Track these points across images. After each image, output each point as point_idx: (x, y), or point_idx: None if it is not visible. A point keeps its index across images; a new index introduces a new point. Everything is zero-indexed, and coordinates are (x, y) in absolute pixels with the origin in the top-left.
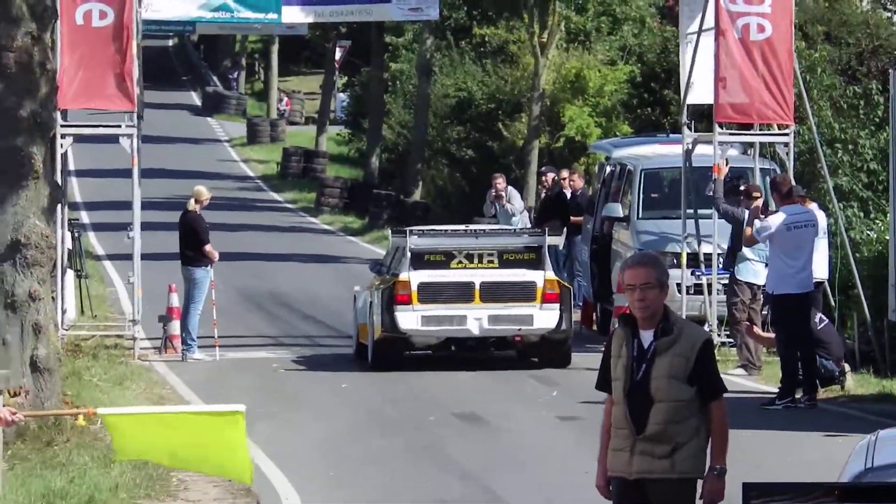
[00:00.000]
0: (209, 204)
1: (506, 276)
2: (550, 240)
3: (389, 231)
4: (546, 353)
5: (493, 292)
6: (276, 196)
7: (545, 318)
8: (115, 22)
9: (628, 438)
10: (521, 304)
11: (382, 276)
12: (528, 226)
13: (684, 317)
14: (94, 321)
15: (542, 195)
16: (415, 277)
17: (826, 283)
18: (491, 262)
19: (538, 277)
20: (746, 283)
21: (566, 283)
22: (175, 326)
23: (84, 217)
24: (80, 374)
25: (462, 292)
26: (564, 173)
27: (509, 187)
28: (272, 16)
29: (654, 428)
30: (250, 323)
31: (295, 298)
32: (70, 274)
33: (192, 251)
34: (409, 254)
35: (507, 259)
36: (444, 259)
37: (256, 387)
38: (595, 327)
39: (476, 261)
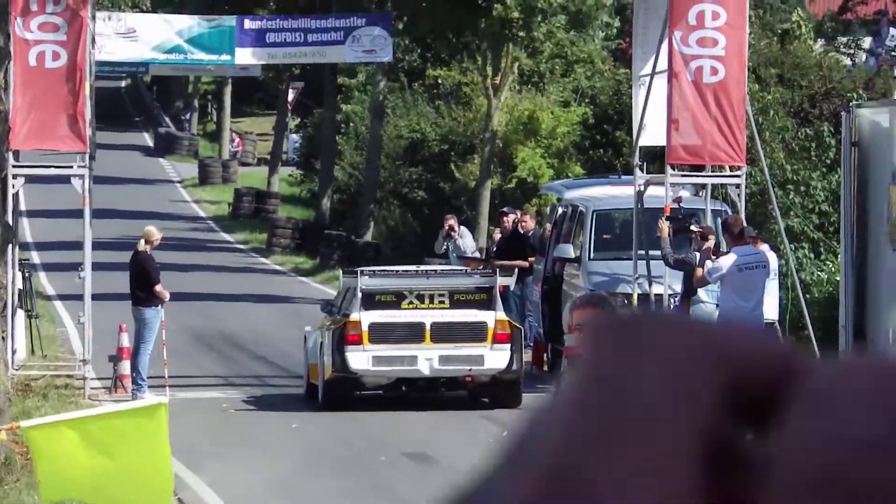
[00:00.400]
0: (160, 244)
1: (457, 317)
2: (502, 280)
3: (341, 271)
4: (497, 393)
5: (444, 332)
6: (227, 237)
7: (496, 358)
8: (68, 63)
9: None
10: (471, 345)
11: (333, 316)
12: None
13: None
14: (44, 361)
15: (499, 235)
16: (366, 318)
17: (777, 324)
18: (442, 302)
19: (489, 318)
20: None
21: (517, 324)
22: (125, 366)
23: (35, 257)
24: (30, 413)
25: (413, 332)
26: (518, 213)
27: (462, 226)
28: (225, 57)
29: None
30: (201, 363)
31: (245, 339)
32: (20, 314)
33: (142, 291)
34: (360, 294)
35: (458, 299)
36: (395, 299)
37: (207, 427)
38: (546, 367)
39: (427, 301)
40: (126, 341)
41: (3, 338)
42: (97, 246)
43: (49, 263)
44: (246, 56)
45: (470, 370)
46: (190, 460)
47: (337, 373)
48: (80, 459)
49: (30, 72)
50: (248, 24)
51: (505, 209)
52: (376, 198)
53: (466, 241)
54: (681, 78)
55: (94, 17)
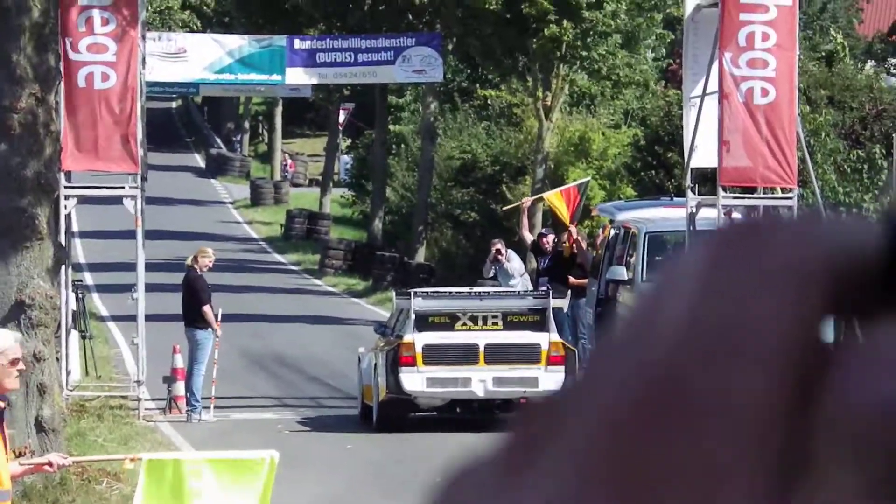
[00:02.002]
0: (213, 265)
1: (510, 339)
2: (555, 302)
3: (394, 293)
4: None
5: (498, 354)
6: (279, 258)
7: (550, 380)
8: (118, 84)
9: None
10: (525, 367)
11: (387, 337)
12: (529, 288)
13: None
14: (98, 382)
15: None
16: (419, 339)
17: None
18: (495, 324)
19: (543, 340)
20: None
21: (571, 346)
22: (180, 387)
23: (88, 278)
24: (84, 434)
25: (466, 354)
26: (564, 235)
27: (509, 250)
28: (276, 77)
29: None
30: (254, 384)
31: (299, 359)
32: (74, 334)
33: (193, 312)
34: (413, 315)
35: (511, 321)
36: (448, 321)
37: (260, 447)
38: None
39: (480, 323)
40: (180, 362)
41: (57, 359)
42: (150, 267)
43: (102, 284)
44: (296, 76)
45: (524, 392)
46: None
47: (391, 394)
48: (182, 497)
49: (79, 93)
50: (299, 43)
51: (543, 231)
52: (428, 219)
53: (514, 265)
54: (731, 99)
55: (144, 38)
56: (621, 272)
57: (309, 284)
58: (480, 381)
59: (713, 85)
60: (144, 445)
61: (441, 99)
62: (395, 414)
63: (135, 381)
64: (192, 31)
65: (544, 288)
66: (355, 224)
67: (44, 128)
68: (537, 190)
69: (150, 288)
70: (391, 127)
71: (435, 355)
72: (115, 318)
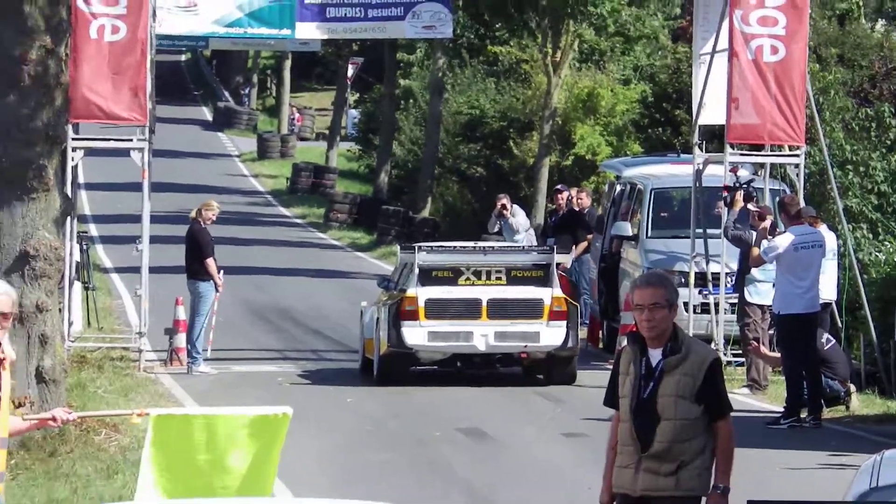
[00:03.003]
0: (218, 218)
1: (513, 293)
2: (559, 258)
3: (398, 247)
4: (552, 370)
5: (501, 309)
6: (284, 211)
7: (552, 335)
8: (128, 36)
9: (634, 455)
10: (527, 321)
11: (390, 291)
12: (534, 243)
13: (692, 335)
14: (100, 333)
15: (555, 211)
16: (422, 293)
17: (833, 304)
18: (499, 279)
19: (545, 295)
20: (757, 304)
21: (574, 301)
22: (181, 339)
23: (93, 230)
24: (85, 385)
25: (469, 309)
26: (572, 192)
27: (514, 205)
28: (286, 32)
29: (660, 446)
30: (256, 336)
31: (301, 313)
32: (77, 286)
33: (196, 264)
34: (417, 270)
35: (514, 276)
36: (451, 275)
37: (261, 400)
38: (601, 345)
39: (484, 277)
40: (182, 314)
41: (59, 309)
42: (155, 219)
43: (107, 236)
44: (306, 31)
45: (525, 346)
46: None
47: (392, 348)
48: (191, 454)
49: (90, 45)
50: None
51: (559, 186)
52: (434, 174)
53: (519, 220)
54: (741, 57)
55: None
56: (626, 228)
57: (314, 238)
58: (482, 335)
59: (723, 42)
60: (144, 397)
61: (450, 55)
62: (396, 368)
63: (136, 333)
64: None
65: (549, 244)
66: (361, 178)
67: (53, 79)
68: (544, 146)
69: (154, 240)
70: (400, 82)
71: (437, 309)
72: (118, 270)
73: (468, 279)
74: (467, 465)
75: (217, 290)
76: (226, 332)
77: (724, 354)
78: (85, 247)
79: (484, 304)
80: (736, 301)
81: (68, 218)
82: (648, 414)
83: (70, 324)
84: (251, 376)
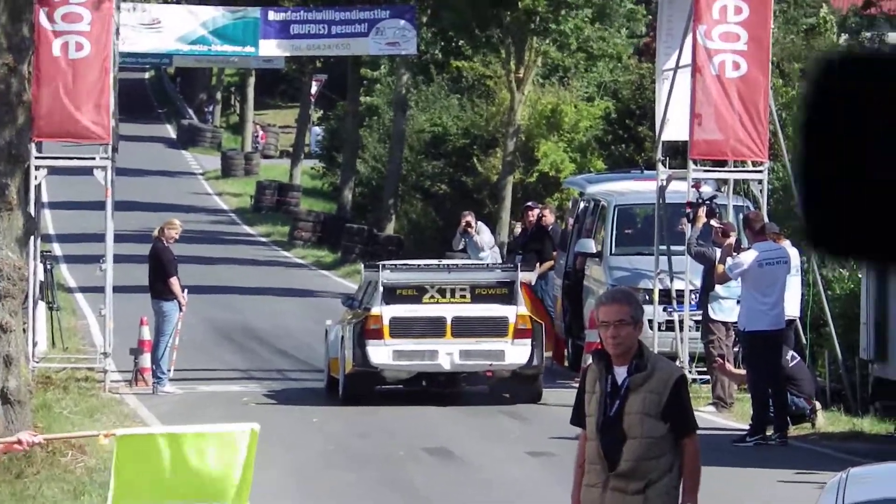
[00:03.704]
0: (182, 237)
1: (478, 311)
2: (523, 276)
3: (363, 265)
4: (517, 388)
5: (465, 327)
6: (249, 229)
7: (517, 353)
8: (92, 54)
9: (601, 474)
10: (492, 340)
11: (354, 310)
12: (498, 261)
13: (657, 353)
14: (65, 353)
15: (520, 229)
16: (387, 312)
17: (798, 321)
18: (463, 296)
19: (510, 313)
20: (721, 321)
21: (538, 319)
22: (146, 359)
23: (57, 249)
24: (50, 406)
25: (434, 327)
26: (543, 210)
27: (479, 222)
28: (249, 49)
29: (627, 465)
30: (222, 356)
31: (267, 332)
32: (42, 306)
33: (159, 283)
34: (381, 288)
35: (479, 294)
36: (416, 294)
37: (226, 420)
38: (566, 363)
39: (448, 295)
40: (147, 334)
41: (24, 330)
42: (119, 238)
43: (71, 255)
44: (270, 48)
45: (490, 365)
46: None
47: (357, 367)
48: (159, 474)
49: (53, 62)
50: (273, 15)
51: (530, 203)
52: (398, 191)
53: (484, 237)
54: (704, 72)
55: (118, 8)
56: (590, 245)
57: (278, 256)
58: (447, 353)
59: (686, 58)
60: (110, 418)
61: (414, 71)
62: (361, 386)
63: (101, 353)
64: (166, 1)
65: (513, 262)
66: (325, 196)
67: (16, 97)
68: (508, 163)
69: (118, 259)
70: (363, 98)
71: (402, 328)
72: (83, 290)
73: (432, 297)
74: (432, 485)
75: (181, 310)
76: (190, 351)
77: (690, 372)
78: (49, 266)
79: (448, 322)
80: (700, 318)
81: (31, 237)
82: (614, 432)
83: (34, 344)
84: (216, 396)
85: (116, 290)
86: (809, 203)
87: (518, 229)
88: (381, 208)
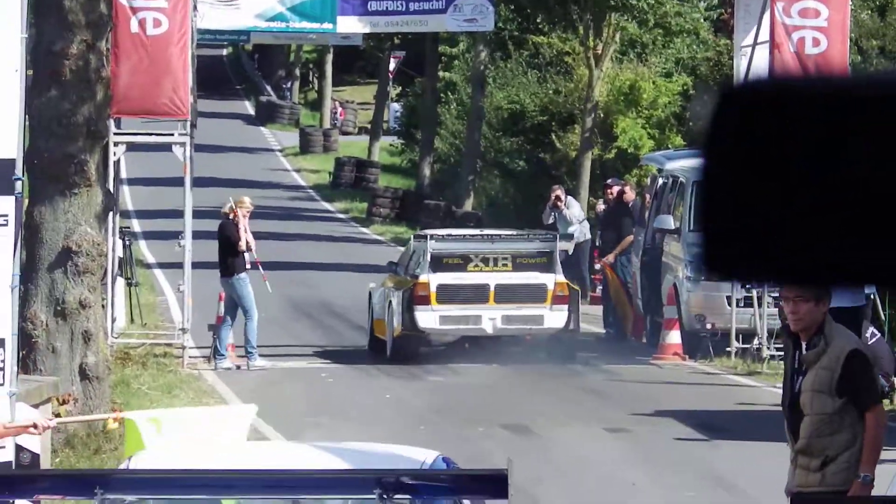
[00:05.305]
0: (259, 213)
1: (518, 279)
2: (561, 245)
3: (412, 236)
4: (554, 350)
5: (507, 294)
6: (327, 206)
7: (555, 318)
8: (169, 30)
9: (791, 451)
10: (532, 305)
11: (398, 276)
12: (587, 235)
13: (734, 329)
14: (143, 329)
15: (602, 206)
16: (434, 279)
17: (876, 296)
18: (505, 265)
19: (549, 280)
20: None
21: (574, 286)
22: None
23: (136, 225)
24: (128, 382)
25: (478, 294)
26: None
27: (568, 196)
28: (327, 26)
29: (803, 442)
30: (300, 332)
31: (345, 308)
32: (120, 282)
33: (229, 259)
34: (429, 257)
35: (520, 262)
36: (461, 262)
37: (304, 396)
38: (644, 339)
39: (491, 264)
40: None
41: (102, 306)
42: (197, 214)
43: (149, 232)
44: (348, 24)
45: (530, 329)
46: (289, 430)
47: (406, 331)
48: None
49: (131, 39)
50: None
51: (609, 180)
52: (476, 168)
53: (573, 211)
54: (782, 49)
55: None
56: (668, 221)
57: (356, 233)
58: (490, 318)
59: (764, 34)
60: (188, 394)
61: (492, 47)
62: (409, 348)
63: (180, 329)
64: None
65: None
66: (404, 172)
67: (94, 74)
68: (586, 140)
69: (197, 235)
70: (442, 75)
71: (448, 294)
72: (161, 266)
73: (476, 266)
74: (508, 456)
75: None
76: (269, 327)
77: (768, 349)
78: (128, 242)
79: (491, 289)
80: (778, 295)
81: (110, 213)
82: (797, 409)
83: (113, 320)
84: (295, 372)
85: (195, 266)
86: (709, 228)
87: (601, 206)
88: (460, 185)
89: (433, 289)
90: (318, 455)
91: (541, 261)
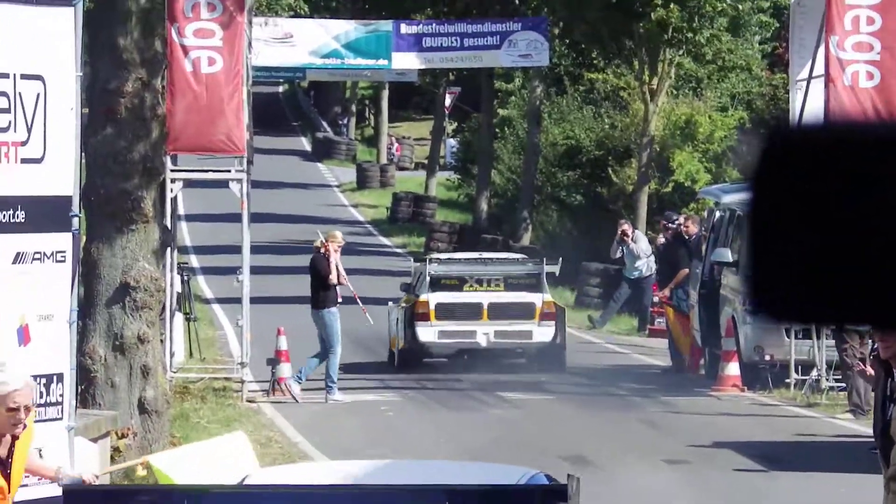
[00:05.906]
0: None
1: (510, 298)
2: (548, 268)
3: (412, 258)
4: (544, 361)
5: (499, 311)
6: (385, 240)
7: (543, 333)
8: (224, 68)
9: (884, 478)
10: (522, 322)
11: (410, 296)
12: (654, 269)
13: (793, 361)
14: (202, 364)
15: (662, 240)
16: (433, 298)
17: None
18: (497, 285)
19: (537, 299)
20: (853, 329)
21: (559, 304)
22: (283, 369)
23: (194, 261)
24: (188, 416)
25: (472, 311)
26: (681, 219)
27: (636, 231)
28: (382, 62)
29: (893, 469)
30: (360, 366)
31: None
32: (179, 317)
33: (320, 292)
34: (428, 278)
35: (511, 283)
36: (458, 283)
37: (363, 429)
38: (702, 372)
39: (485, 284)
40: (284, 344)
41: (161, 340)
42: (255, 250)
43: (207, 267)
44: (403, 60)
45: (520, 343)
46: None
47: (408, 344)
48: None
49: (187, 77)
50: (405, 28)
51: (666, 213)
52: (533, 202)
53: (641, 246)
54: (837, 83)
55: (250, 23)
56: (726, 254)
57: None
58: (484, 333)
59: (819, 68)
60: (247, 427)
61: (547, 83)
62: (411, 360)
63: (238, 363)
64: (298, 16)
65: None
66: (461, 207)
67: (150, 111)
68: (642, 174)
69: (255, 270)
70: (497, 111)
71: (446, 312)
72: (219, 301)
73: (471, 286)
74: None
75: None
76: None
77: (826, 380)
78: (186, 277)
79: (485, 307)
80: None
81: (168, 249)
82: (887, 436)
83: (172, 354)
84: (355, 405)
85: (253, 300)
86: (758, 269)
87: (660, 239)
88: (517, 219)
89: (432, 307)
90: (418, 470)
91: (530, 282)
